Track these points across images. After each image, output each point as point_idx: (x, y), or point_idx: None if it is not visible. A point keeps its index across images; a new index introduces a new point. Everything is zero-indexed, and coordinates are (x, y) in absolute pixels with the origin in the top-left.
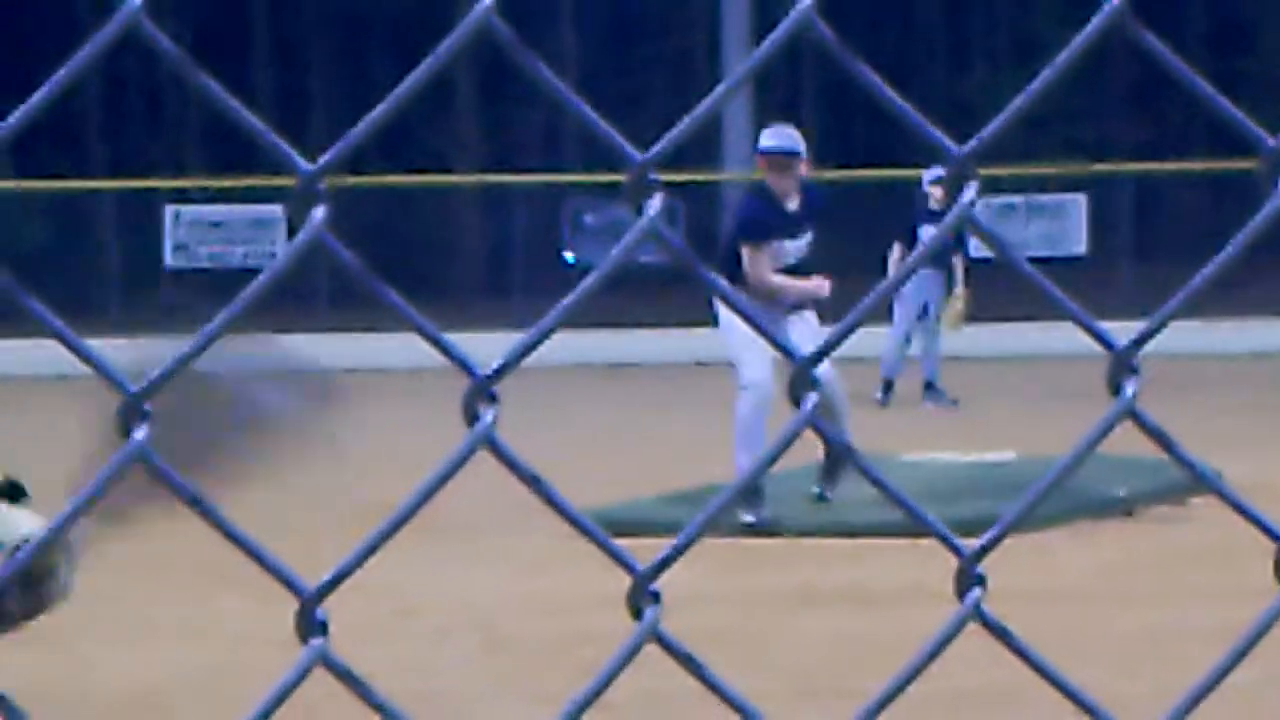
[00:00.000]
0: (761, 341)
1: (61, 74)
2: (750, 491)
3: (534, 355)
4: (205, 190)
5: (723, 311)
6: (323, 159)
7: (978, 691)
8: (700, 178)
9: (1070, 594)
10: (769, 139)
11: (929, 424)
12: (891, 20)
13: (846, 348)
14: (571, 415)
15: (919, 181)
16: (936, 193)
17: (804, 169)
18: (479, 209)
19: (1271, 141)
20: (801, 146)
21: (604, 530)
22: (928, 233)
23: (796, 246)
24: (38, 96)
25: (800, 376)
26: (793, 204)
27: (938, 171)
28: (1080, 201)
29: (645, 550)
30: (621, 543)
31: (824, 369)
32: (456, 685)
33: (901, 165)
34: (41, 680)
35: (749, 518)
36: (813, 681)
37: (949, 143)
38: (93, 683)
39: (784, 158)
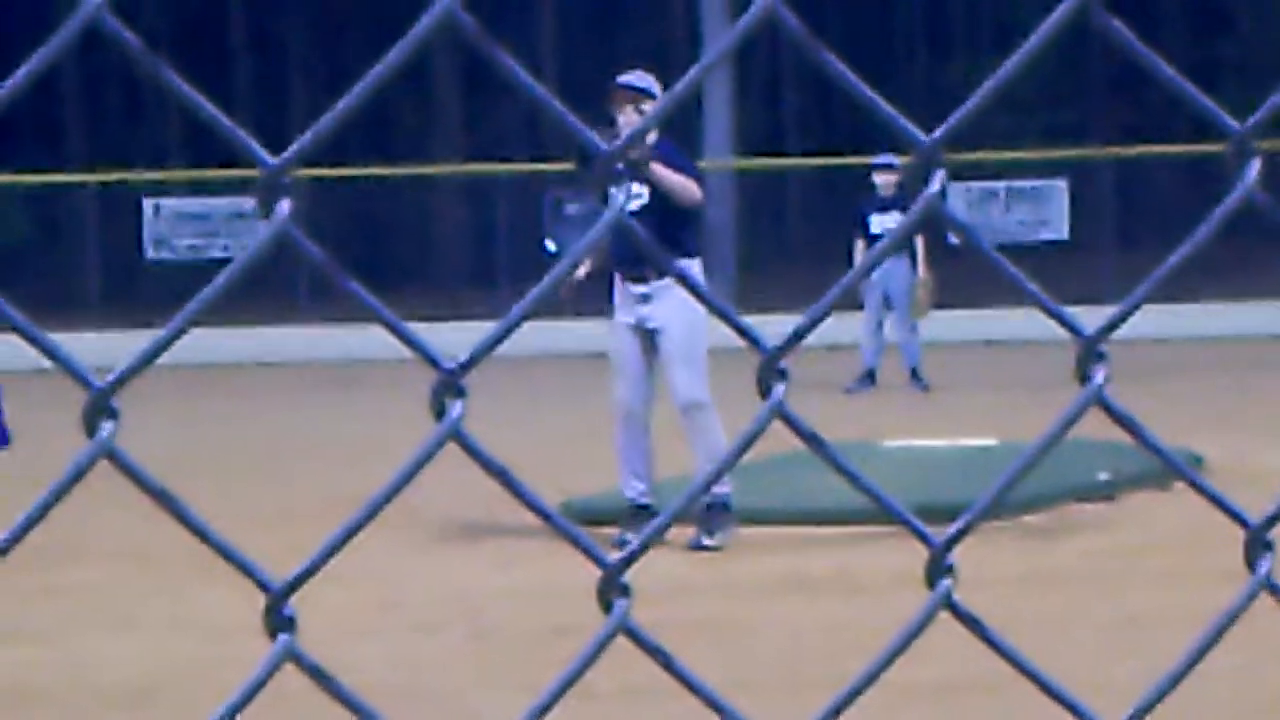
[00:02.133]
0: (627, 356)
1: (25, 69)
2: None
3: (516, 344)
4: (184, 183)
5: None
6: (285, 153)
7: (967, 679)
8: None
9: (1053, 579)
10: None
11: (910, 410)
12: (872, 8)
13: (820, 336)
14: (560, 404)
15: (866, 169)
16: (883, 180)
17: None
18: (462, 198)
19: (1238, 126)
20: (643, 85)
21: (586, 520)
22: (877, 222)
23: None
24: (1, 91)
25: (768, 366)
26: (634, 151)
27: (886, 159)
28: (1062, 186)
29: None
30: (604, 533)
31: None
32: (442, 677)
33: (886, 151)
34: (30, 674)
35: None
36: (800, 670)
37: (916, 130)
38: (80, 676)
39: (619, 91)
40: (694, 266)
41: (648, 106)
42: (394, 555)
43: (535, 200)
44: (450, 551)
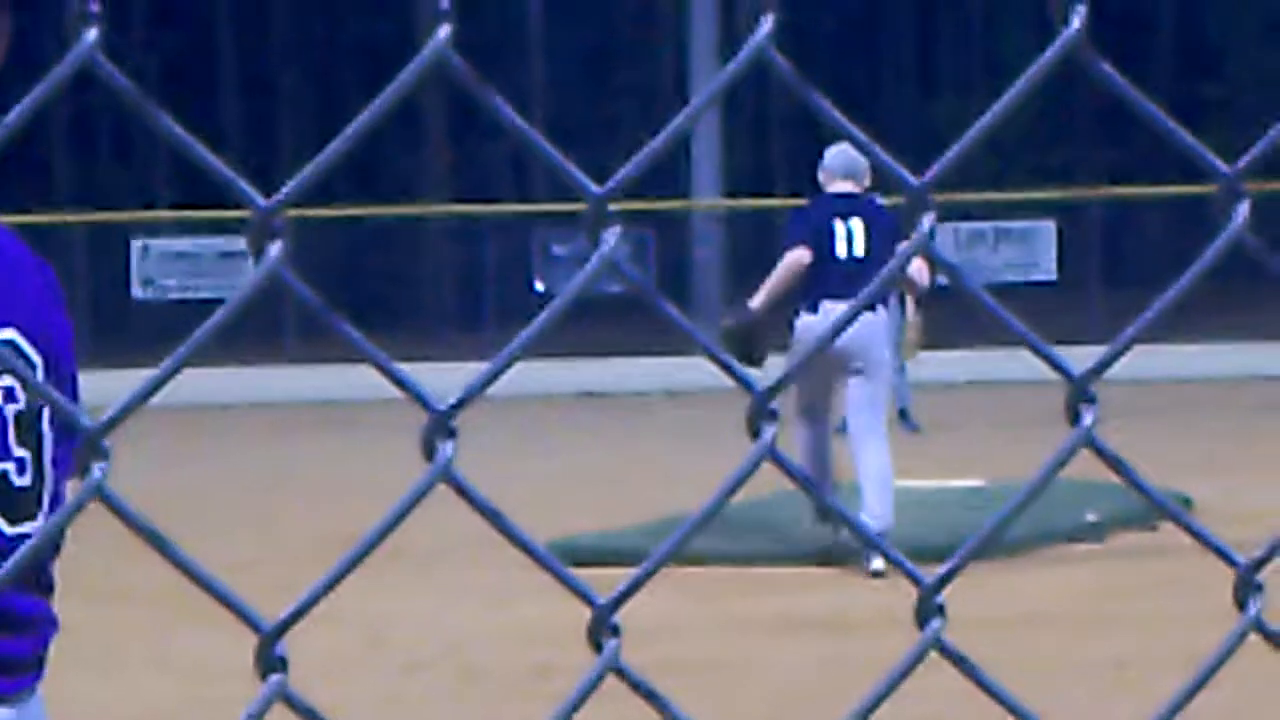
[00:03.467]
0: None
1: (17, 110)
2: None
3: (506, 385)
4: (173, 223)
5: None
6: (277, 195)
7: (955, 719)
8: (669, 206)
9: (1042, 620)
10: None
11: (900, 451)
12: (861, 48)
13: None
14: (544, 445)
15: None
16: None
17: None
18: (449, 239)
19: (1227, 169)
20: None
21: (576, 561)
22: None
23: None
24: None
25: (758, 407)
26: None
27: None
28: (1049, 227)
29: (616, 581)
30: (593, 573)
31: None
32: (430, 717)
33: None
34: None
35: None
36: (790, 709)
37: (905, 173)
38: (62, 716)
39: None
40: (806, 318)
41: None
42: (382, 595)
43: (522, 241)
44: (439, 591)
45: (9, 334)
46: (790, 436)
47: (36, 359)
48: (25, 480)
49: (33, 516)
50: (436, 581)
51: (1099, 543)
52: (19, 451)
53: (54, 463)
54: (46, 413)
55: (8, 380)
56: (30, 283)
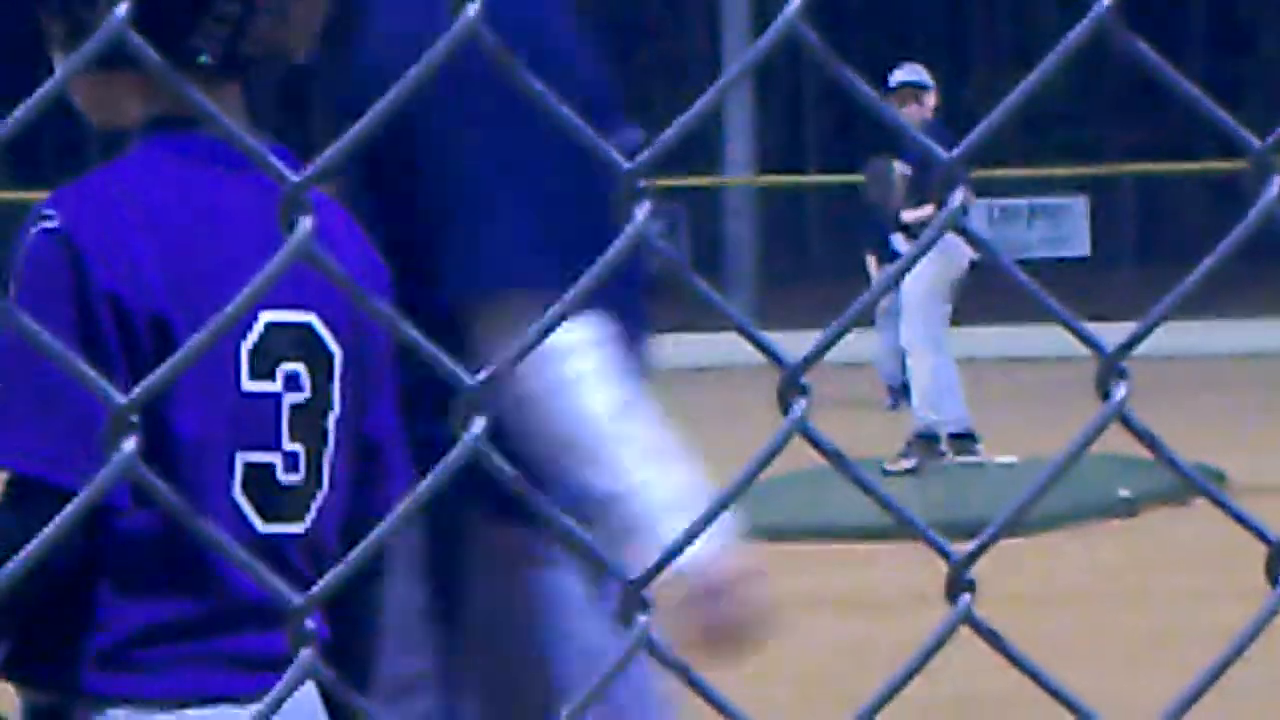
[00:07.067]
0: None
1: (47, 86)
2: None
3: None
4: None
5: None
6: (308, 169)
7: (985, 696)
8: (701, 183)
9: (1073, 595)
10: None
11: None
12: (890, 24)
13: (843, 353)
14: None
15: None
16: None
17: (926, 102)
18: None
19: (1259, 144)
20: (920, 79)
21: None
22: (899, 240)
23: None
24: (25, 107)
25: (789, 382)
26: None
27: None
28: (1082, 203)
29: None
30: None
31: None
32: None
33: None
34: None
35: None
36: (817, 687)
37: (937, 147)
38: None
39: (901, 90)
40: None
41: (929, 99)
42: None
43: None
44: None
45: (304, 317)
46: (918, 370)
47: (335, 349)
48: (294, 478)
49: (295, 519)
50: None
51: (1131, 518)
52: (291, 445)
53: (336, 473)
54: (336, 414)
55: (294, 366)
56: (350, 269)
